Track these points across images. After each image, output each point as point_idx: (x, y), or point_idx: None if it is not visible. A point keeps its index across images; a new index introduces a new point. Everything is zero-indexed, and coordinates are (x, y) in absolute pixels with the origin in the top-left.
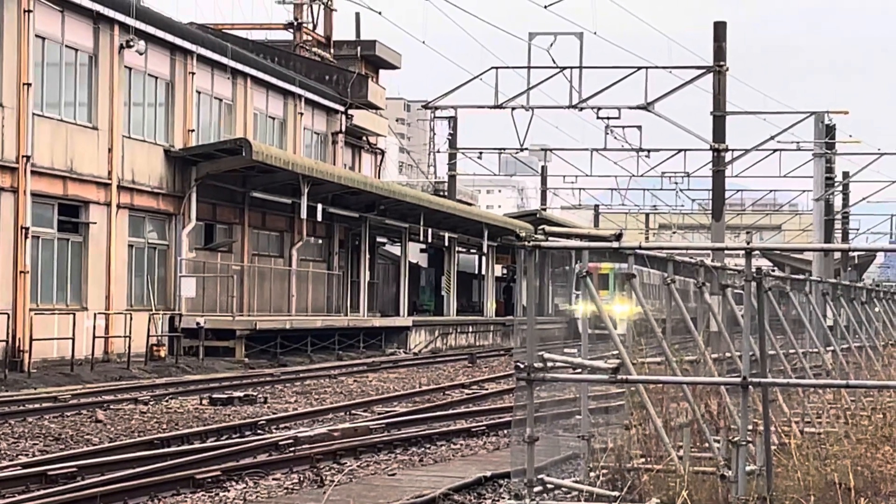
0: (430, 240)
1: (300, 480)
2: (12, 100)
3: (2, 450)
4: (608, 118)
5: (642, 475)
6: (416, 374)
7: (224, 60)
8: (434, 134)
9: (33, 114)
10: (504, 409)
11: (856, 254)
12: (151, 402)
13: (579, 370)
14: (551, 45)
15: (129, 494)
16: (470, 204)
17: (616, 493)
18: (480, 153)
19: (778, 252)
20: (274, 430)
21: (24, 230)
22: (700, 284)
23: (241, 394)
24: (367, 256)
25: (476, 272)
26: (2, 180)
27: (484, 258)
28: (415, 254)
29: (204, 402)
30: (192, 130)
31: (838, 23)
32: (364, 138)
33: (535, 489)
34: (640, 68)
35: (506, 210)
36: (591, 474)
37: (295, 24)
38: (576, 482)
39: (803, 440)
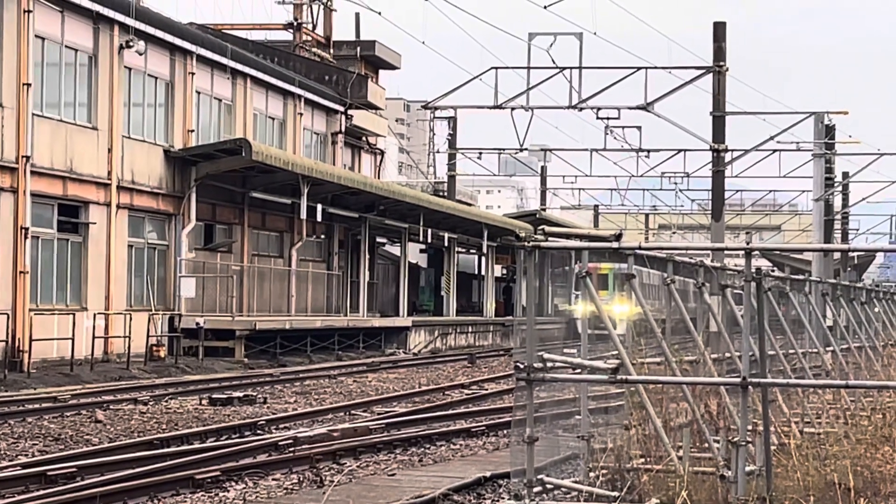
0: (429, 240)
1: (300, 481)
2: (12, 100)
3: (1, 450)
4: (608, 118)
5: (642, 475)
6: (416, 374)
7: (224, 61)
8: (434, 134)
9: (33, 114)
10: (504, 409)
11: (855, 254)
12: (151, 403)
13: (579, 370)
14: (551, 45)
15: (128, 494)
16: (469, 204)
17: (616, 494)
18: (480, 153)
19: (777, 252)
20: (273, 431)
21: (23, 230)
22: (700, 285)
23: (241, 394)
24: (367, 257)
25: (476, 272)
26: (1, 180)
27: (483, 258)
28: (414, 254)
29: (203, 402)
30: (192, 131)
31: (838, 23)
32: (364, 138)
33: (535, 489)
34: (639, 68)
35: (505, 210)
36: (591, 474)
37: (294, 24)
38: (575, 482)
39: (803, 440)
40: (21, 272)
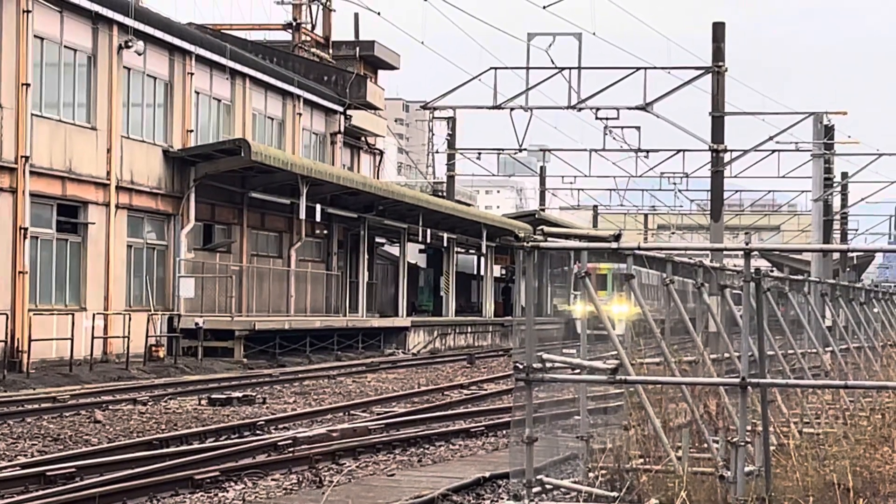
0: (428, 240)
1: (299, 481)
2: (11, 100)
3: (1, 450)
4: (607, 119)
5: (641, 476)
6: (415, 374)
7: (223, 61)
8: (433, 134)
9: (32, 114)
10: (503, 409)
11: (854, 254)
12: (150, 403)
13: (578, 371)
14: (550, 45)
15: (128, 495)
16: (468, 204)
17: (615, 494)
18: (479, 154)
19: (777, 252)
20: (273, 431)
21: (22, 230)
22: (699, 285)
23: (240, 394)
24: (366, 257)
25: (475, 273)
26: (0, 181)
27: (483, 259)
28: (413, 254)
29: (203, 402)
30: (191, 131)
31: (837, 23)
32: (363, 139)
33: (534, 490)
34: (638, 69)
35: (504, 210)
36: (590, 475)
37: (294, 24)
38: (574, 483)
39: (802, 441)
40: (20, 272)
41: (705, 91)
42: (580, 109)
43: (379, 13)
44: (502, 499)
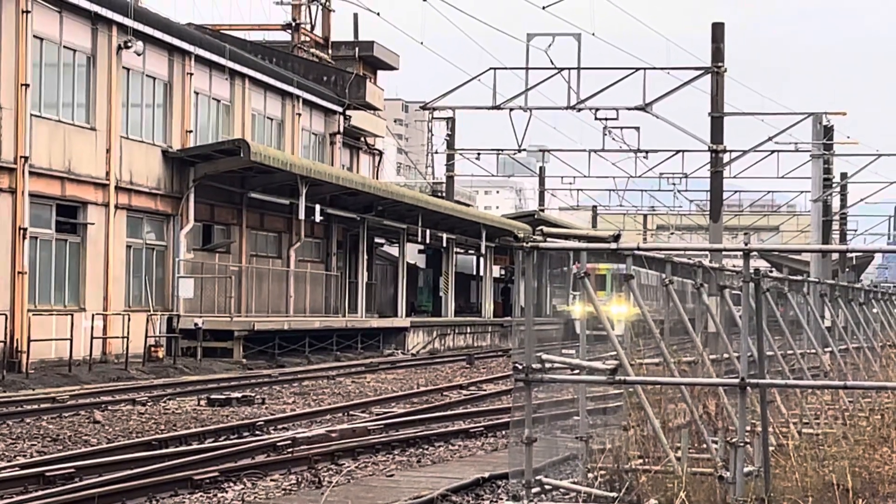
0: (428, 241)
1: (298, 481)
2: (10, 100)
3: (0, 450)
4: (606, 119)
5: (640, 476)
6: (414, 374)
7: (222, 61)
8: (432, 135)
9: (31, 114)
10: (502, 409)
11: (853, 255)
12: (149, 403)
13: (577, 371)
14: (549, 45)
15: (127, 495)
16: (468, 205)
17: (614, 494)
18: (478, 154)
19: (776, 253)
20: (272, 431)
21: (21, 231)
22: (698, 285)
23: (239, 395)
24: (365, 257)
25: (474, 273)
26: (0, 181)
27: (482, 259)
28: (413, 255)
29: (202, 402)
30: (190, 131)
31: (837, 23)
32: (362, 139)
33: (533, 490)
34: (638, 69)
35: (504, 211)
36: (590, 475)
37: (293, 24)
38: (574, 483)
39: (801, 441)
40: (19, 273)
41: (704, 91)
42: (579, 110)
43: (378, 13)
44: (501, 499)
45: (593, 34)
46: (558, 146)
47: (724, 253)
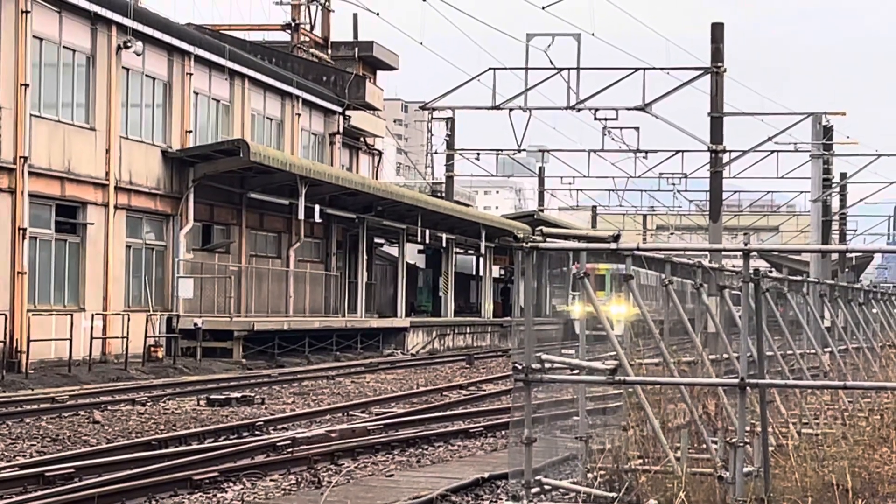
0: (427, 241)
1: (298, 481)
2: (10, 100)
3: (0, 450)
4: (606, 119)
5: (640, 476)
6: (414, 375)
7: (222, 61)
8: (431, 135)
9: (31, 114)
10: (502, 410)
11: (853, 255)
12: (149, 403)
13: (577, 371)
14: (549, 46)
15: (126, 495)
16: (467, 205)
17: (614, 495)
18: (478, 154)
19: (775, 253)
20: (271, 431)
21: (21, 231)
22: (698, 286)
23: (239, 395)
24: (365, 257)
25: (474, 273)
26: None
27: (481, 259)
28: (412, 255)
29: (201, 402)
30: (190, 131)
31: (837, 23)
32: (361, 139)
33: (533, 490)
34: (637, 69)
35: (503, 211)
36: (589, 475)
37: (292, 25)
38: (573, 483)
39: (801, 441)
40: (19, 273)
41: (704, 91)
42: (579, 110)
43: (378, 14)
44: (501, 499)
45: (593, 34)
46: (558, 146)
47: (723, 253)
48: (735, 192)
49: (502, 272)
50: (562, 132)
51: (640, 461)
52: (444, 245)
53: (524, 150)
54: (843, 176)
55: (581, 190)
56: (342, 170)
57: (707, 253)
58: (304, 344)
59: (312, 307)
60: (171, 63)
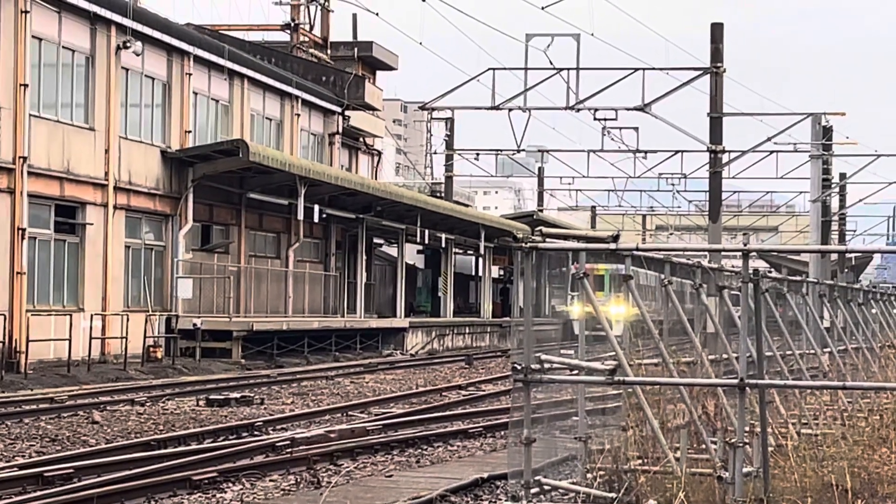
0: (426, 241)
1: (297, 482)
2: (9, 101)
3: None
4: (605, 119)
5: (639, 476)
6: (413, 375)
7: (221, 62)
8: (431, 135)
9: (30, 115)
10: (501, 410)
11: (852, 255)
12: (148, 404)
13: (576, 371)
14: (548, 46)
15: (126, 495)
16: (467, 205)
17: (613, 495)
18: (477, 154)
19: (775, 253)
20: (271, 432)
21: (20, 231)
22: (697, 286)
23: (238, 395)
24: (364, 258)
25: (473, 273)
26: None
27: (481, 259)
28: (411, 255)
29: (201, 403)
30: (189, 131)
31: (837, 23)
32: (361, 139)
33: (532, 490)
34: (637, 70)
35: (503, 211)
36: (588, 476)
37: (292, 25)
38: (573, 483)
39: (800, 442)
40: (18, 273)
41: (703, 92)
42: (578, 110)
43: (377, 14)
44: (500, 500)
45: (592, 34)
46: (557, 146)
47: (722, 253)
48: (734, 192)
49: (501, 272)
50: (561, 132)
51: (640, 461)
52: (443, 245)
53: (523, 150)
54: (843, 176)
55: (580, 190)
56: (341, 170)
57: (706, 253)
58: (303, 344)
59: (311, 307)
60: (170, 63)
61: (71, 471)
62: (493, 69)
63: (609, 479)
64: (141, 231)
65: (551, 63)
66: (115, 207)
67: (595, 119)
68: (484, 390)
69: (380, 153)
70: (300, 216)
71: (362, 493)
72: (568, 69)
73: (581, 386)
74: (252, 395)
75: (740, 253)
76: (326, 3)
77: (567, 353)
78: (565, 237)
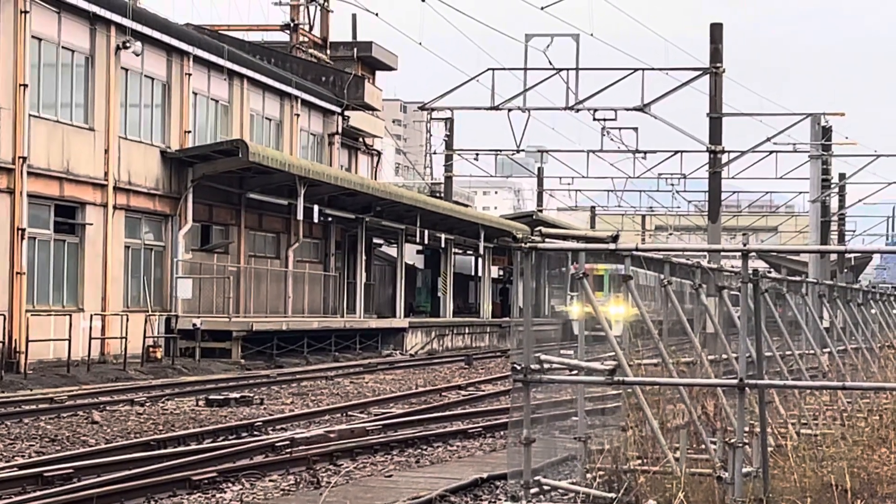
0: (426, 241)
1: (297, 482)
2: (9, 101)
3: None
4: (605, 120)
5: (639, 477)
6: (413, 375)
7: (220, 62)
8: (430, 135)
9: (30, 115)
10: (501, 410)
11: (852, 255)
12: (148, 404)
13: (576, 372)
14: (548, 46)
15: (125, 496)
16: (466, 205)
17: (612, 495)
18: (477, 154)
19: (774, 254)
20: (270, 432)
21: (20, 231)
22: (697, 286)
23: (238, 395)
24: (364, 258)
25: (472, 273)
26: None
27: (480, 259)
28: (411, 255)
29: (200, 403)
30: (189, 132)
31: (836, 23)
32: (360, 139)
33: (532, 491)
34: (636, 70)
35: (502, 211)
36: (588, 476)
37: (291, 25)
38: (572, 484)
39: (800, 442)
40: (18, 273)
41: (703, 92)
42: (578, 110)
43: (377, 14)
44: (500, 500)
45: (592, 35)
46: (557, 147)
47: (722, 253)
48: (734, 192)
49: (501, 272)
50: (561, 132)
51: (639, 462)
52: (442, 245)
53: (523, 150)
54: (842, 176)
55: (580, 190)
56: (341, 170)
57: (706, 253)
58: (302, 344)
59: (311, 307)
60: (169, 63)
61: (70, 471)
62: (493, 69)
63: (609, 479)
64: (140, 231)
65: (551, 63)
66: (114, 207)
67: (594, 119)
68: (483, 390)
69: (379, 153)
70: (300, 216)
71: (362, 493)
72: (567, 69)
73: (580, 386)
74: (252, 395)
75: (740, 253)
76: (326, 4)
77: (566, 353)
78: (565, 237)
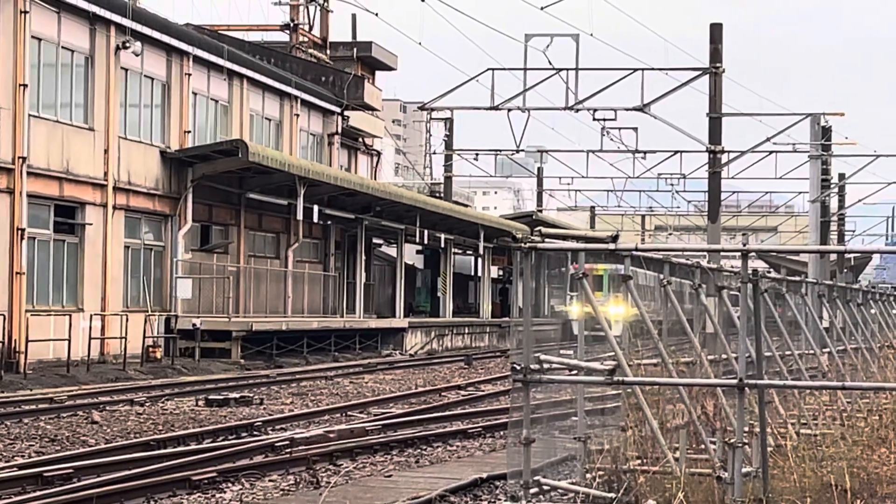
0: (426, 241)
1: (296, 482)
2: (8, 101)
3: None
4: (604, 120)
5: (638, 477)
6: (413, 375)
7: (220, 62)
8: (430, 135)
9: (29, 115)
10: (500, 410)
11: (851, 255)
12: (147, 404)
13: (575, 372)
14: (547, 46)
15: (125, 496)
16: (466, 205)
17: (612, 495)
18: (477, 155)
19: (774, 254)
20: (270, 432)
21: (20, 231)
22: (696, 286)
23: (238, 395)
24: (363, 258)
25: (472, 274)
26: None
27: (480, 260)
28: (411, 255)
29: (200, 403)
30: (189, 132)
31: (836, 23)
32: (360, 140)
33: (531, 491)
34: (636, 70)
35: (502, 211)
36: (588, 476)
37: (291, 25)
38: (572, 484)
39: (799, 442)
40: (17, 273)
41: (703, 92)
42: (577, 110)
43: (377, 14)
44: (499, 500)
45: (591, 35)
46: (556, 147)
47: (722, 253)
48: (733, 192)
49: (501, 273)
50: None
51: (639, 462)
52: (442, 245)
53: (523, 150)
54: (842, 176)
55: (579, 190)
56: (341, 170)
57: (705, 253)
58: (302, 344)
59: (311, 307)
60: (169, 63)
61: (70, 471)
62: (493, 69)
63: (608, 479)
64: (140, 231)
65: (550, 63)
66: (114, 207)
67: (594, 119)
68: (483, 390)
69: (379, 153)
70: (299, 216)
71: (361, 493)
72: (567, 69)
73: (580, 386)
74: (251, 395)
75: (739, 253)
76: (326, 4)
77: (566, 353)
78: (564, 237)
